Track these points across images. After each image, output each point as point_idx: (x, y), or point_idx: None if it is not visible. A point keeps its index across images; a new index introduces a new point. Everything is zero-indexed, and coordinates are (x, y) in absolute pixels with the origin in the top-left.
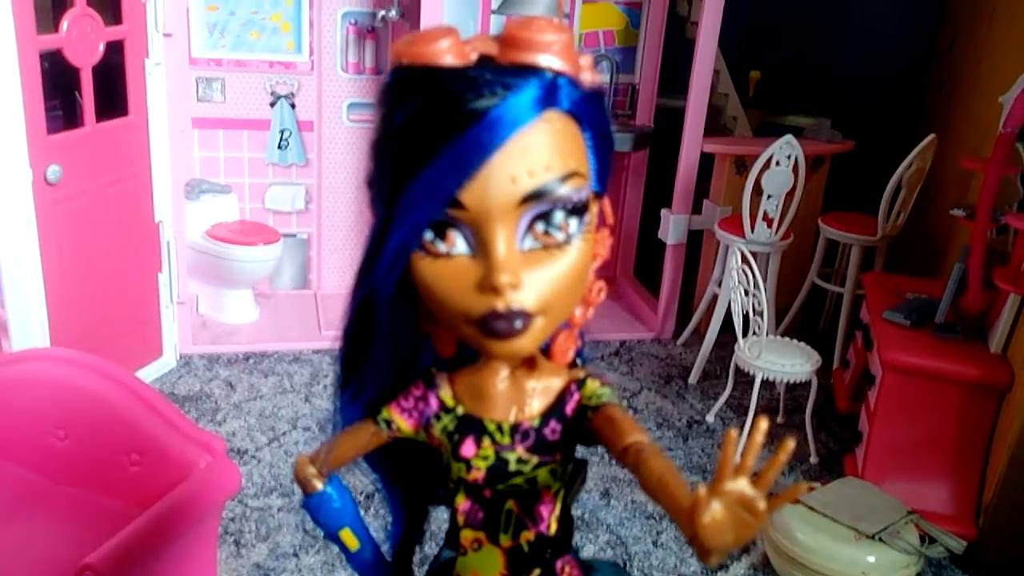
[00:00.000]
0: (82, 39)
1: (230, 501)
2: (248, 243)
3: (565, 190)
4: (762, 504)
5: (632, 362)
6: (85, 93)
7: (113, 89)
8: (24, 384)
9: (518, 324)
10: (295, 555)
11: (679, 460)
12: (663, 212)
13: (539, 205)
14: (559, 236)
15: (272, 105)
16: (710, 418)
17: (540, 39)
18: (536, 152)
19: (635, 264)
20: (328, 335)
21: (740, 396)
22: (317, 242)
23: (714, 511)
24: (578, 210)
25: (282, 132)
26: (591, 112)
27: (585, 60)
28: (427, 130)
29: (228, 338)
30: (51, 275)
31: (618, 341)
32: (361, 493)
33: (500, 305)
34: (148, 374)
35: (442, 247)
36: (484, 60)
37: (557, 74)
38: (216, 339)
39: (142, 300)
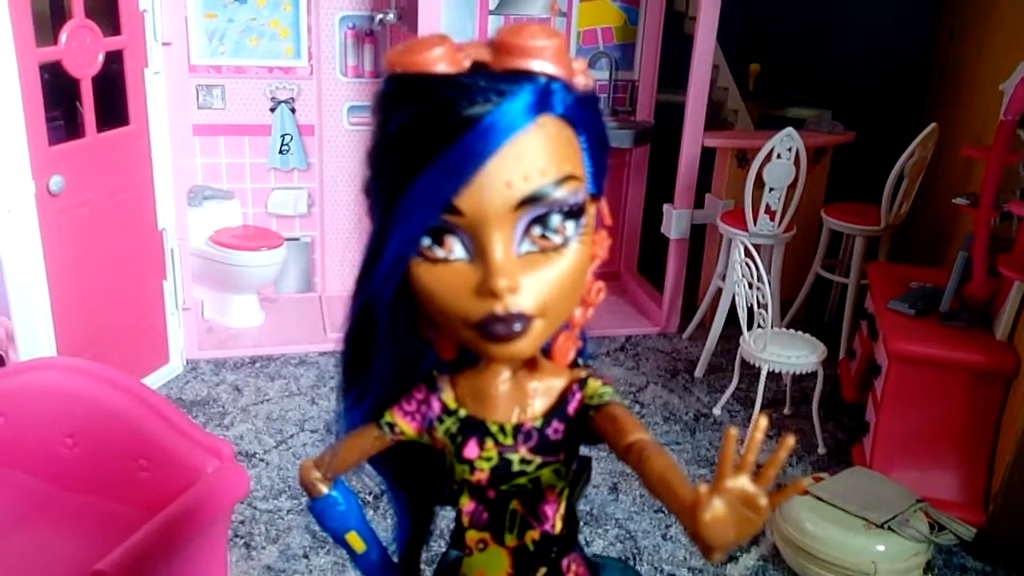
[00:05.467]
0: (81, 50)
1: (239, 504)
2: (252, 248)
3: (561, 193)
4: (763, 500)
5: (638, 357)
6: (86, 103)
7: (113, 99)
8: (32, 393)
9: (517, 327)
10: (305, 556)
11: (687, 453)
12: (665, 207)
13: (535, 209)
14: (556, 239)
15: (272, 110)
16: (717, 411)
17: (533, 45)
18: (531, 157)
19: (639, 259)
20: (333, 337)
21: (747, 388)
22: (320, 245)
23: (715, 509)
24: (574, 213)
25: (283, 137)
26: (585, 116)
27: (579, 64)
28: (422, 138)
29: (234, 342)
30: (56, 285)
31: (623, 336)
32: (370, 494)
33: (499, 309)
34: (155, 380)
35: (440, 252)
36: (477, 67)
37: (550, 79)
38: (222, 344)
39: (147, 307)
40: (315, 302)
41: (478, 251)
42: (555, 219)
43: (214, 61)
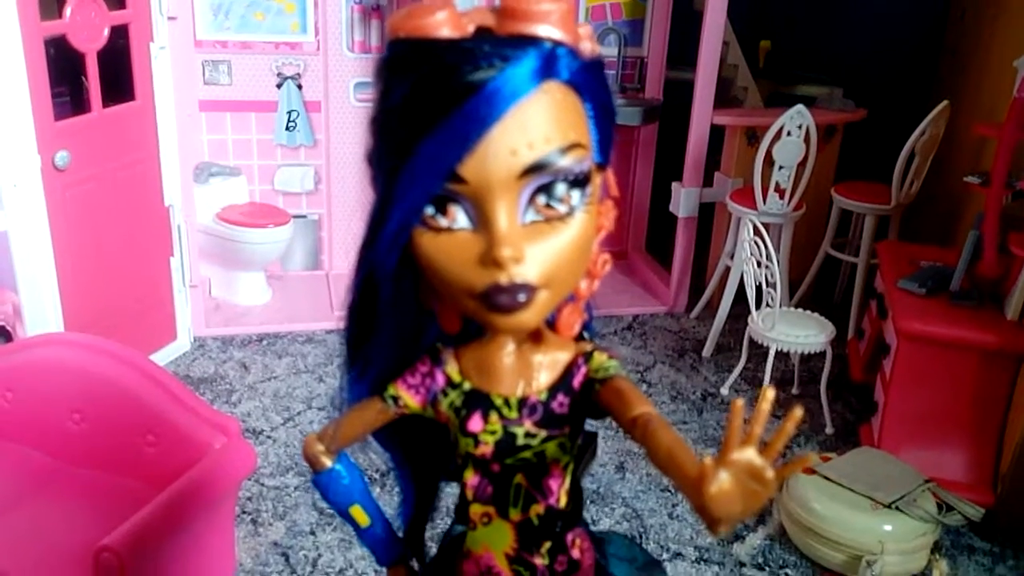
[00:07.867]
0: (86, 24)
1: (247, 481)
2: (259, 225)
3: (566, 162)
4: (770, 473)
5: (645, 336)
6: (91, 78)
7: (119, 74)
8: (40, 369)
9: (521, 297)
10: (312, 533)
11: (694, 433)
12: (674, 185)
13: (540, 177)
14: (561, 208)
15: (279, 86)
16: (724, 391)
17: (538, 9)
18: (536, 124)
19: (647, 238)
20: (340, 315)
21: (754, 368)
22: (328, 223)
23: (722, 481)
24: (580, 182)
25: (290, 113)
26: (591, 82)
27: (585, 30)
28: (425, 104)
29: (241, 320)
30: (63, 260)
31: (631, 315)
32: (376, 471)
33: (503, 278)
34: (162, 357)
35: (443, 221)
36: (482, 32)
37: (556, 44)
38: (229, 321)
39: (155, 284)
40: (322, 280)
41: (482, 220)
42: (560, 188)
43: (220, 36)
